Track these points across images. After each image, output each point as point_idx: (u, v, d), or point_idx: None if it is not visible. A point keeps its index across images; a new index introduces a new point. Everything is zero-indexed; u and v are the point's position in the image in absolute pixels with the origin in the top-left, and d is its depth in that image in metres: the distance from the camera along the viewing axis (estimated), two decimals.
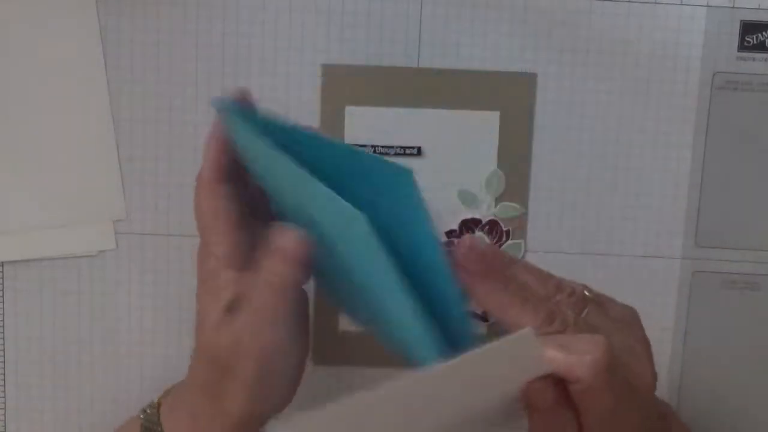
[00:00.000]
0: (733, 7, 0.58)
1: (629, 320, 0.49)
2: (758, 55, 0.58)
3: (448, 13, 0.59)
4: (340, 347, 0.61)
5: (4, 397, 0.62)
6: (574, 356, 0.41)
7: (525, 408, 0.43)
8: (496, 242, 0.60)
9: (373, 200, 0.46)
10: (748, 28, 0.58)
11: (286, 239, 0.47)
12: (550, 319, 0.46)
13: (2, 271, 0.61)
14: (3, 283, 0.61)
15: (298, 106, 0.59)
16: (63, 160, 0.59)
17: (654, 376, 0.47)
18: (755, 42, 0.58)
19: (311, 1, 0.58)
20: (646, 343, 0.48)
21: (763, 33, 0.58)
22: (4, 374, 0.62)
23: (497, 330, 0.46)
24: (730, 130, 0.59)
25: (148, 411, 0.53)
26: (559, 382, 0.42)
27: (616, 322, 0.48)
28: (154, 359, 0.62)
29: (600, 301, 0.49)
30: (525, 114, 0.59)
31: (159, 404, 0.53)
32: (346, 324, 0.61)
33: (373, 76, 0.59)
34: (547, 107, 0.59)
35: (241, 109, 0.49)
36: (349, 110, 0.59)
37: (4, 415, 0.62)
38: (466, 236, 0.55)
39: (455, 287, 0.47)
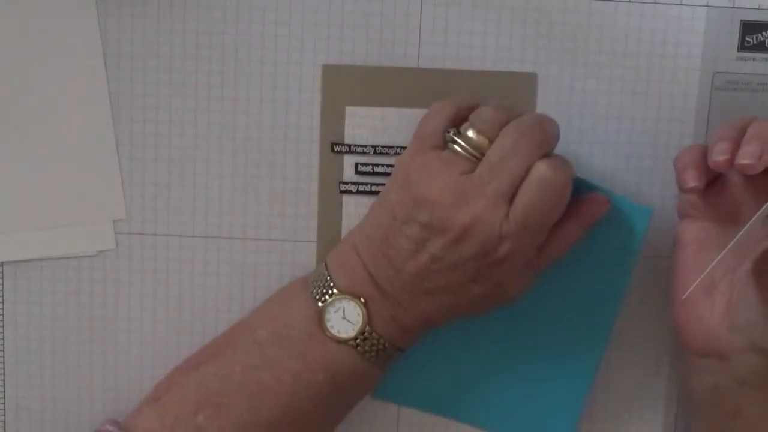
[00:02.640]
0: (733, 7, 0.58)
1: None
2: (758, 55, 0.58)
3: (448, 13, 0.59)
4: None
5: (4, 397, 0.62)
6: None
7: None
8: None
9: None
10: (748, 28, 0.58)
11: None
12: None
13: (2, 271, 0.61)
14: (3, 283, 0.61)
15: (298, 106, 0.59)
16: (63, 160, 0.59)
17: None
18: (755, 42, 0.58)
19: (311, 1, 0.58)
20: None
21: (763, 33, 0.58)
22: (4, 374, 0.61)
23: None
24: None
25: (316, 270, 0.56)
26: None
27: None
28: (154, 359, 0.62)
29: None
30: None
31: (325, 264, 0.55)
32: None
33: (373, 76, 0.59)
34: (547, 107, 0.59)
35: None
36: (349, 110, 0.59)
37: (4, 415, 0.62)
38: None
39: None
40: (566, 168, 0.52)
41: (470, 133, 0.53)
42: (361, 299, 0.53)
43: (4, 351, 0.61)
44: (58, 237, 0.60)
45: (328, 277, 0.54)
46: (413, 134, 0.55)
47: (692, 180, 0.52)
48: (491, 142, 0.52)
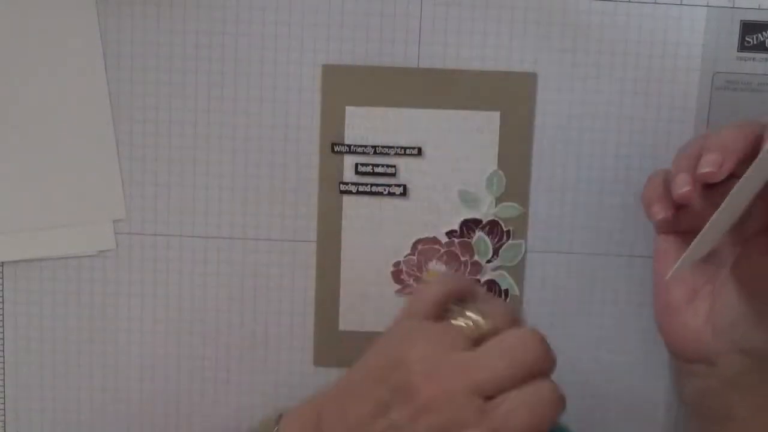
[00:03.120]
0: (733, 7, 0.58)
1: None
2: (758, 55, 0.58)
3: (448, 13, 0.59)
4: (341, 347, 0.61)
5: (4, 397, 0.62)
6: None
7: None
8: (497, 242, 0.60)
9: None
10: (748, 28, 0.58)
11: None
12: None
13: (2, 271, 0.61)
14: (3, 283, 0.61)
15: (298, 106, 0.59)
16: (63, 160, 0.59)
17: None
18: (755, 42, 0.58)
19: (311, 1, 0.58)
20: None
21: (763, 33, 0.58)
22: (4, 374, 0.62)
23: None
24: None
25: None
26: None
27: None
28: (154, 359, 0.62)
29: None
30: (525, 114, 0.59)
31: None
32: (346, 324, 0.61)
33: (373, 76, 0.59)
34: (547, 107, 0.59)
35: None
36: (349, 110, 0.59)
37: (4, 415, 0.62)
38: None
39: None
40: (562, 403, 0.48)
41: (474, 315, 0.49)
42: None
43: (4, 351, 0.61)
44: (58, 237, 0.60)
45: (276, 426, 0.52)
46: (406, 303, 0.52)
47: (660, 212, 0.53)
48: (494, 332, 0.48)
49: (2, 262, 0.60)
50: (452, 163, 0.60)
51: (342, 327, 0.61)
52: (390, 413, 0.47)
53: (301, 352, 0.62)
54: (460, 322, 0.49)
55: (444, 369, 0.47)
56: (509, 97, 0.59)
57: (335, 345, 0.61)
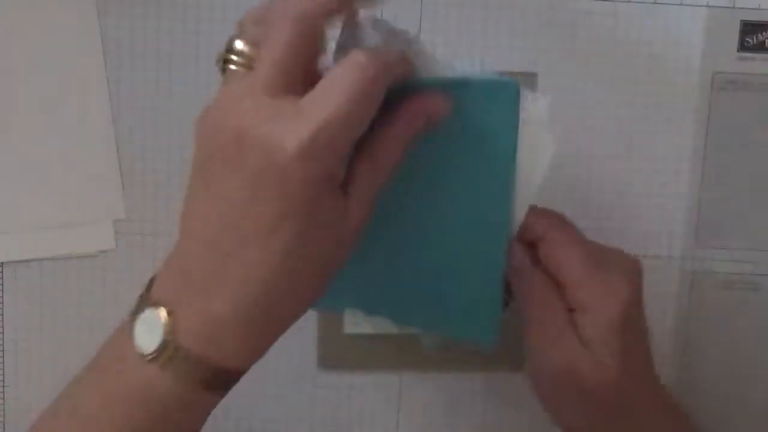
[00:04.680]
0: (733, 7, 0.58)
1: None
2: (758, 55, 0.59)
3: (448, 14, 0.59)
4: (345, 351, 0.61)
5: (4, 396, 0.62)
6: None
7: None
8: None
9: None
10: (748, 28, 0.58)
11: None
12: None
13: (2, 271, 0.61)
14: (3, 283, 0.61)
15: None
16: (63, 160, 0.59)
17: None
18: (755, 42, 0.59)
19: None
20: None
21: (763, 33, 0.58)
22: (4, 374, 0.61)
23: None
24: (730, 130, 0.59)
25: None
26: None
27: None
28: None
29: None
30: None
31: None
32: (351, 327, 0.61)
33: None
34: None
35: None
36: None
37: (4, 414, 0.62)
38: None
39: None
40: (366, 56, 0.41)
41: (239, 45, 0.43)
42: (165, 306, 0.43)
43: (4, 351, 0.61)
44: (58, 237, 0.60)
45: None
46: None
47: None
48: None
49: (2, 262, 0.60)
50: None
51: (347, 330, 0.61)
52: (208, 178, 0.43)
53: (305, 355, 0.61)
54: (233, 62, 0.43)
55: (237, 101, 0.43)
56: None
57: (340, 348, 0.61)
